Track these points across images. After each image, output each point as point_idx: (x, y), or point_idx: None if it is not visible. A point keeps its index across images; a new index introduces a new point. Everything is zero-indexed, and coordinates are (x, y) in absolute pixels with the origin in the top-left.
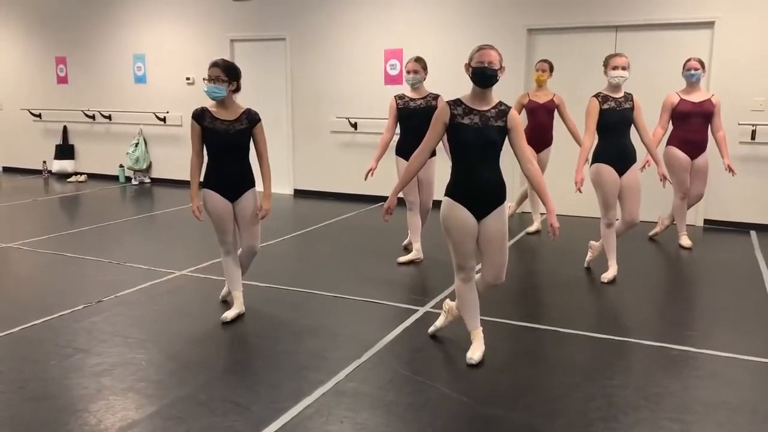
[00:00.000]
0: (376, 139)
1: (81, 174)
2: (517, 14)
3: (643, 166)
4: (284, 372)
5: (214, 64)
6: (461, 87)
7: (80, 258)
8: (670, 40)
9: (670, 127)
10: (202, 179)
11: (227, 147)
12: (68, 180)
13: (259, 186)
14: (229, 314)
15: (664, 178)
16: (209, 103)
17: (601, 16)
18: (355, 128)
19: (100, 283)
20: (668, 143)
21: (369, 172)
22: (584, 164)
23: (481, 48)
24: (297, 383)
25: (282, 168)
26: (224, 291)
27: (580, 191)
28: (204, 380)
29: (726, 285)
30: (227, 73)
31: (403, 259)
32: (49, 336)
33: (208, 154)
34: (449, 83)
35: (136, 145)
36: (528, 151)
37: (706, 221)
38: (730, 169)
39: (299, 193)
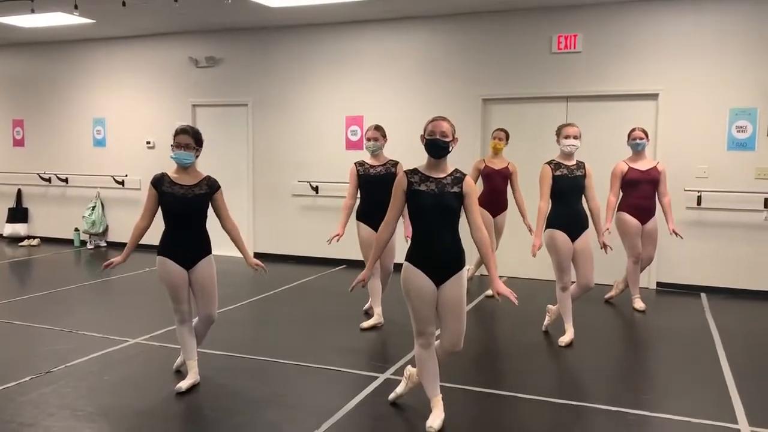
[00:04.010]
0: (337, 203)
1: (34, 238)
2: (473, 85)
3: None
4: None
5: (184, 131)
6: (420, 153)
7: (30, 326)
8: (617, 111)
9: (620, 194)
10: (146, 244)
11: (185, 212)
12: (20, 244)
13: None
14: (184, 384)
15: (604, 246)
16: (170, 169)
17: (552, 88)
18: (317, 192)
19: (50, 353)
20: (619, 209)
21: (336, 237)
22: (542, 229)
23: (434, 119)
24: None
25: (242, 230)
26: (178, 361)
27: (534, 255)
28: None
29: (678, 347)
30: (196, 140)
31: (365, 324)
32: None
33: (165, 221)
34: (408, 150)
35: (93, 208)
36: (479, 219)
37: (658, 284)
38: (676, 234)
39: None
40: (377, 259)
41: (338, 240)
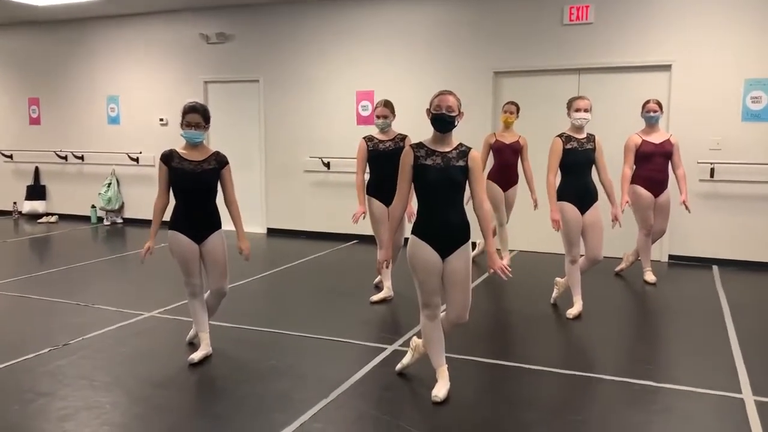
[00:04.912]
0: (349, 178)
1: (52, 215)
2: (484, 57)
3: (623, 209)
4: (249, 414)
5: (194, 110)
6: (430, 127)
7: (48, 300)
8: (629, 82)
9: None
10: (168, 221)
11: (194, 187)
12: (39, 221)
13: (227, 227)
14: (196, 356)
15: (615, 219)
16: (180, 145)
17: (564, 60)
18: (328, 167)
19: (67, 326)
20: (632, 182)
21: (362, 215)
22: (555, 200)
23: (440, 93)
24: (262, 425)
25: (255, 207)
26: (191, 333)
27: (558, 230)
28: (169, 424)
29: (687, 320)
30: (205, 119)
31: (375, 298)
32: (11, 380)
33: (175, 196)
34: (418, 124)
35: (109, 185)
36: (483, 193)
37: (670, 257)
38: (685, 206)
39: (272, 232)
40: (393, 234)
41: (364, 217)
